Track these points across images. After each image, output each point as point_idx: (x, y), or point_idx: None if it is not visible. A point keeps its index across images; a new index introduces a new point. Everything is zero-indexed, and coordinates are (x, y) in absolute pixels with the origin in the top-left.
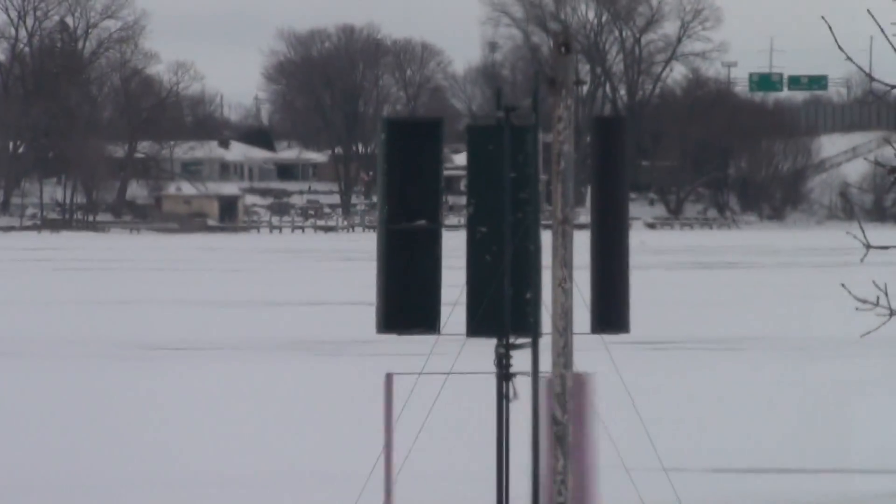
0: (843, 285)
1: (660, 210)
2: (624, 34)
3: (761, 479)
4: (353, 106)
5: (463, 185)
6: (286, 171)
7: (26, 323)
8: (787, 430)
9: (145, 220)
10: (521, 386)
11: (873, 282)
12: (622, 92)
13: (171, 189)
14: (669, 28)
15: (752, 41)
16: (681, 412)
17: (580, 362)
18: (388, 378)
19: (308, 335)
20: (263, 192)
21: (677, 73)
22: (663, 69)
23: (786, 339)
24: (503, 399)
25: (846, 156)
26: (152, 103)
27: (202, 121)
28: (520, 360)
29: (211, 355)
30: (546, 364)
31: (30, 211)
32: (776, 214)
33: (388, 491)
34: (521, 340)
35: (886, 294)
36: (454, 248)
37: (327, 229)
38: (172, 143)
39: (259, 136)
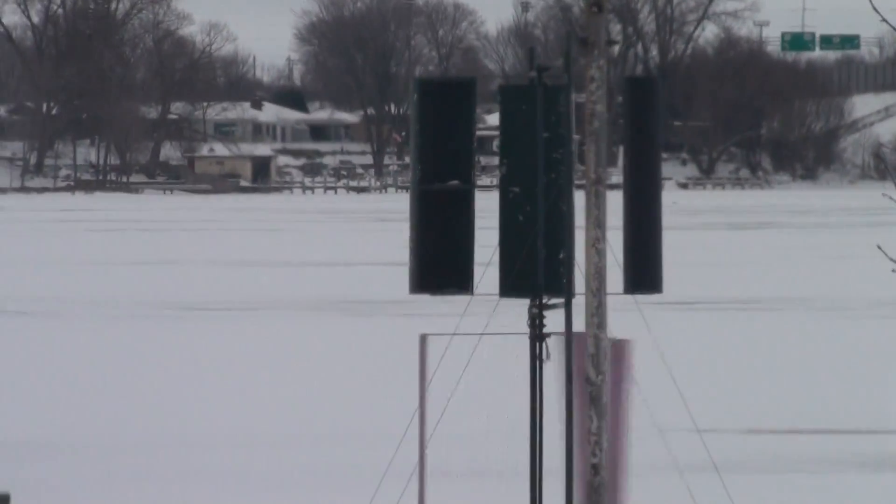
0: (879, 247)
1: (692, 170)
2: None
3: (796, 439)
4: (385, 67)
5: (495, 146)
6: (318, 131)
7: (60, 284)
8: (821, 390)
9: (178, 181)
10: (555, 346)
11: None
12: (654, 52)
13: (204, 150)
14: None
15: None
16: (714, 373)
17: (613, 323)
18: (423, 339)
19: (342, 295)
20: (296, 153)
21: (709, 33)
22: (695, 29)
23: (819, 300)
24: (537, 360)
25: (879, 115)
26: (185, 64)
27: (235, 82)
28: (553, 320)
29: (244, 315)
30: (580, 324)
31: (63, 172)
32: (809, 174)
33: (422, 452)
34: (554, 301)
35: None
36: (487, 208)
37: (360, 190)
38: (205, 104)
39: (291, 96)
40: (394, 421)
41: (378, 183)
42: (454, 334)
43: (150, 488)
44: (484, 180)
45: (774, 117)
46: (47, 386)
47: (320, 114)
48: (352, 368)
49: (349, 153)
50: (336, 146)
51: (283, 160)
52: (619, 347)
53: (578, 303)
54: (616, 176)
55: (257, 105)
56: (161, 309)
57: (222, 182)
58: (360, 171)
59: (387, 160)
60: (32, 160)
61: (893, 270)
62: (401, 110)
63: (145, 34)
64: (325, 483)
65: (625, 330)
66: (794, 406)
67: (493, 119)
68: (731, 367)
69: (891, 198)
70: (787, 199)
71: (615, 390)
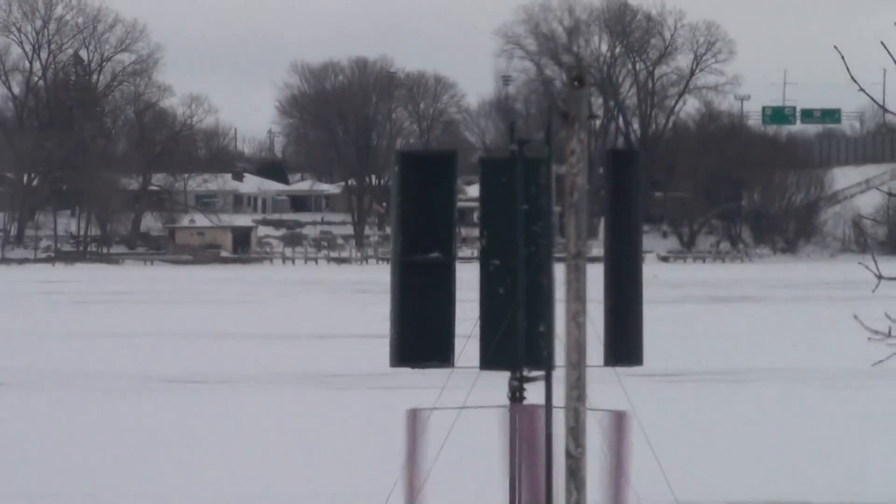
0: (855, 316)
1: (673, 242)
2: (637, 67)
3: None
4: (366, 138)
5: (476, 217)
6: (299, 202)
7: (41, 355)
8: (801, 463)
9: (159, 252)
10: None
11: (885, 313)
12: (635, 125)
13: (185, 221)
14: (682, 61)
15: (765, 74)
16: (694, 445)
17: (594, 395)
18: (412, 414)
19: (322, 369)
20: (277, 224)
21: (690, 107)
22: (676, 102)
23: (799, 372)
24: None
25: (859, 188)
26: (166, 136)
27: (216, 153)
28: (533, 392)
29: (224, 389)
30: (560, 398)
31: (44, 243)
32: (789, 247)
33: None
34: (534, 373)
35: None
36: (467, 280)
37: (340, 261)
38: (186, 175)
39: (272, 168)
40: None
41: (359, 254)
42: (441, 408)
43: None
44: (464, 252)
45: (755, 189)
46: (23, 457)
47: (301, 185)
48: (332, 442)
49: (330, 223)
50: (317, 216)
51: (263, 231)
52: (619, 418)
53: (559, 375)
54: (597, 248)
55: (238, 176)
56: (142, 381)
57: (203, 253)
58: (340, 241)
59: (367, 231)
60: (13, 231)
61: (869, 339)
62: (381, 181)
63: (126, 106)
64: None
65: (605, 402)
66: (776, 479)
67: (474, 191)
68: (710, 439)
69: (867, 267)
70: (767, 272)
71: (617, 460)
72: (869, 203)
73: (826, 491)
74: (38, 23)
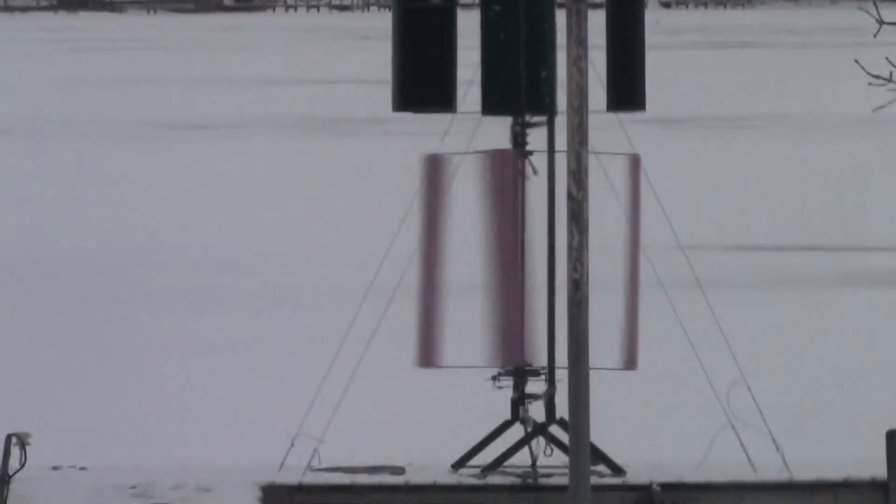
0: (856, 61)
1: None
2: None
3: (779, 256)
4: None
5: None
6: None
7: (43, 104)
8: (804, 207)
9: (162, 1)
10: (539, 162)
11: (886, 58)
12: None
13: None
14: None
15: None
16: (697, 190)
17: (595, 141)
18: (431, 160)
19: (325, 114)
20: None
21: None
22: None
23: (803, 118)
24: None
25: None
26: None
27: None
28: (536, 138)
29: (227, 133)
30: (562, 143)
31: None
32: None
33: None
34: (536, 119)
35: None
36: (469, 27)
37: (342, 8)
38: None
39: None
40: (383, 239)
41: (361, 1)
42: (456, 154)
43: (143, 308)
44: None
45: None
46: (26, 207)
47: None
48: (340, 186)
49: None
50: None
51: None
52: (633, 161)
53: (561, 121)
54: None
55: None
56: (146, 128)
57: (206, 1)
58: None
59: None
60: None
61: (870, 84)
62: None
63: None
64: (314, 301)
65: (607, 148)
66: (779, 223)
67: None
68: (714, 185)
69: (867, 12)
70: (769, 18)
71: (632, 203)
72: None
73: (831, 235)
74: None
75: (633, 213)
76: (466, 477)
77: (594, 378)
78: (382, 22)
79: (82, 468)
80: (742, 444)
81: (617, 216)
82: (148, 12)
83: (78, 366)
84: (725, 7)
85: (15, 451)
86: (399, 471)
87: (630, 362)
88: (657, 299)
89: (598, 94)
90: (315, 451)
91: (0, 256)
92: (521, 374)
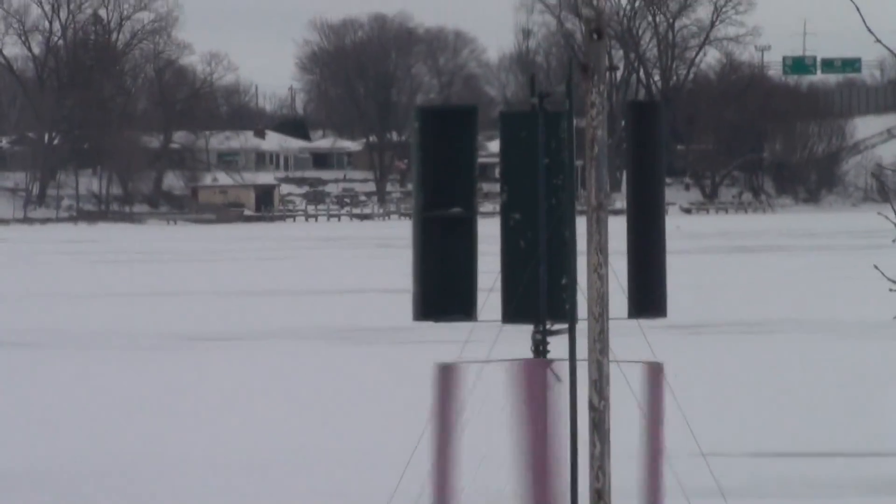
0: (876, 266)
1: (695, 195)
2: (657, 19)
3: (800, 462)
4: (387, 94)
5: (497, 172)
6: (321, 159)
7: (66, 316)
8: (825, 413)
9: (182, 211)
10: (561, 371)
11: None
12: (656, 77)
13: (208, 179)
14: (703, 13)
15: (785, 25)
16: (719, 396)
17: (617, 348)
18: (445, 369)
19: (346, 324)
20: (299, 181)
21: (711, 58)
22: (697, 54)
23: (823, 322)
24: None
25: (881, 137)
26: (186, 94)
27: (237, 111)
28: (557, 346)
29: (250, 345)
30: (584, 351)
31: (66, 202)
32: (811, 197)
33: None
34: (557, 326)
35: None
36: (489, 234)
37: (363, 217)
38: (208, 133)
39: (294, 125)
40: (401, 446)
41: (381, 210)
42: (470, 361)
43: None
44: (486, 207)
45: (776, 140)
46: (51, 417)
47: (323, 142)
48: (357, 396)
49: (352, 181)
50: (339, 174)
51: (286, 188)
52: (655, 370)
53: (582, 328)
54: (620, 201)
55: (260, 134)
56: (166, 340)
57: (226, 211)
58: (362, 198)
59: (389, 187)
60: (35, 191)
61: (891, 290)
62: (402, 137)
63: (146, 64)
64: None
65: (628, 355)
66: (800, 429)
67: (495, 146)
68: (734, 391)
69: (886, 217)
70: (789, 222)
71: (653, 411)
72: (891, 152)
73: (853, 441)
74: None
75: (654, 421)
76: None
77: None
78: (402, 230)
79: None
80: None
81: (639, 424)
82: (168, 223)
83: None
84: (746, 212)
85: None
86: None
87: None
88: None
89: (619, 300)
90: None
91: (42, 467)
92: None
